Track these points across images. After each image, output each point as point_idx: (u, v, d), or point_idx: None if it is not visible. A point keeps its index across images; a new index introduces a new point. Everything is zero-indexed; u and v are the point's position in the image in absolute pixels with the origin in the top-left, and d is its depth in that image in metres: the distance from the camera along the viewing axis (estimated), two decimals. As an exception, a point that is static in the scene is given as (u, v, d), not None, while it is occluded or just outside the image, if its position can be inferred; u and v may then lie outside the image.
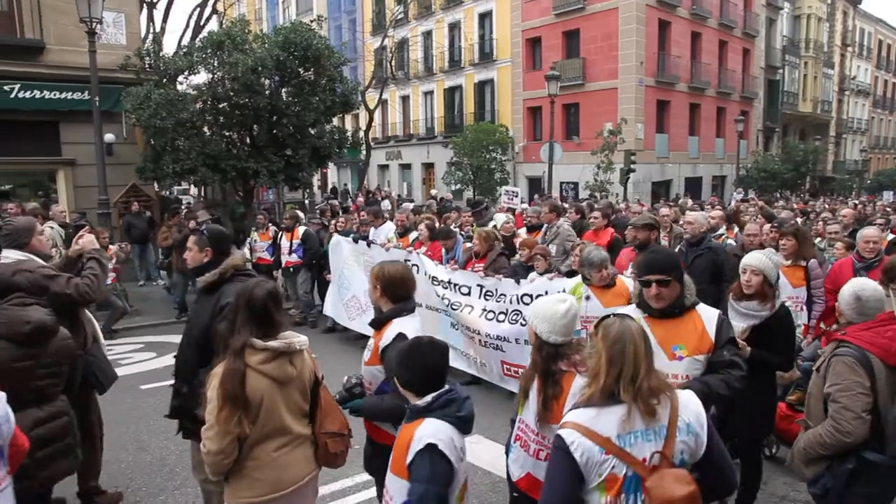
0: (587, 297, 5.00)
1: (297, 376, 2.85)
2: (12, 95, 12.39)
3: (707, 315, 3.15)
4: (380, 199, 22.63)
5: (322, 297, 10.03)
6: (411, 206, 16.52)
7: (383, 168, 38.75)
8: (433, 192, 25.65)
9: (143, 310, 11.11)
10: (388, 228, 9.36)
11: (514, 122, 30.16)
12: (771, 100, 36.74)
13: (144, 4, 19.26)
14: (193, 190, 24.50)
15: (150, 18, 21.00)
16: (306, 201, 23.72)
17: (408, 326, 3.16)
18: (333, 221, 10.36)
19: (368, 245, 8.60)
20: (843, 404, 2.83)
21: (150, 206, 14.12)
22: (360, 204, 17.48)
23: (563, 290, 5.46)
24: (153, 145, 12.83)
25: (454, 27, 32.99)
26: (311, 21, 14.66)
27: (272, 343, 2.77)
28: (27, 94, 12.56)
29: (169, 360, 8.43)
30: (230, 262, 3.52)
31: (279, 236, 10.26)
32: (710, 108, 31.33)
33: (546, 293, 5.51)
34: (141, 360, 8.50)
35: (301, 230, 9.97)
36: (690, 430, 2.20)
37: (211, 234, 3.68)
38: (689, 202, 14.78)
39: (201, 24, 21.62)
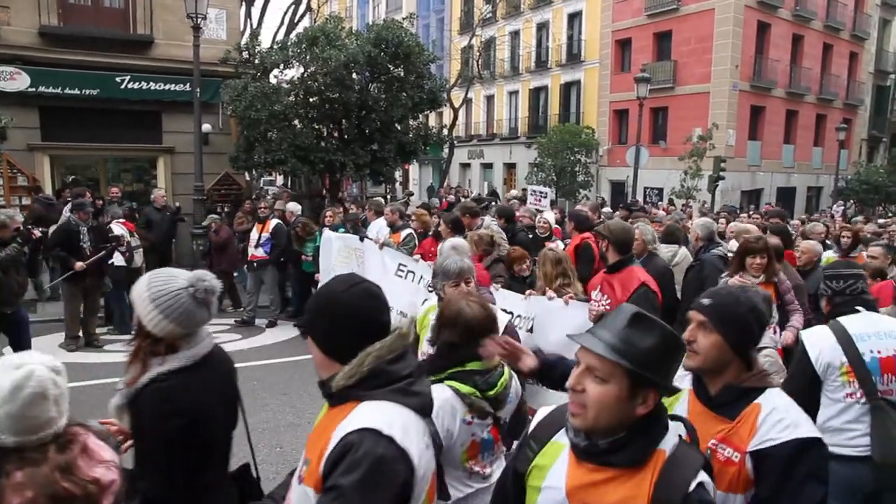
0: None
1: None
2: (122, 87, 13.14)
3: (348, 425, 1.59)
4: (461, 196, 22.67)
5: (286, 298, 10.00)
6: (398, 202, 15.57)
7: (465, 167, 38.87)
8: (513, 191, 25.54)
9: (231, 293, 11.56)
10: (380, 224, 8.52)
11: (600, 125, 29.58)
12: (879, 107, 34.39)
13: (243, 1, 20.09)
14: (279, 180, 25.37)
15: (248, 15, 21.89)
16: (388, 196, 24.11)
17: None
18: (324, 214, 9.48)
19: (361, 240, 7.83)
20: None
21: (241, 195, 14.67)
22: (449, 202, 17.23)
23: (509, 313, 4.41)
24: (246, 136, 13.33)
25: (542, 27, 32.72)
26: (403, 19, 14.91)
27: None
28: (135, 86, 13.28)
29: (254, 342, 8.84)
30: None
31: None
32: (809, 115, 29.67)
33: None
34: (228, 340, 8.87)
35: (273, 223, 9.42)
36: None
37: None
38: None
39: (295, 20, 22.39)
